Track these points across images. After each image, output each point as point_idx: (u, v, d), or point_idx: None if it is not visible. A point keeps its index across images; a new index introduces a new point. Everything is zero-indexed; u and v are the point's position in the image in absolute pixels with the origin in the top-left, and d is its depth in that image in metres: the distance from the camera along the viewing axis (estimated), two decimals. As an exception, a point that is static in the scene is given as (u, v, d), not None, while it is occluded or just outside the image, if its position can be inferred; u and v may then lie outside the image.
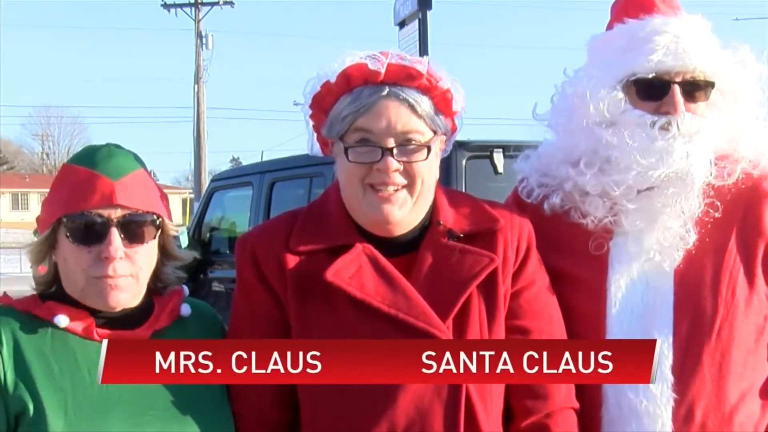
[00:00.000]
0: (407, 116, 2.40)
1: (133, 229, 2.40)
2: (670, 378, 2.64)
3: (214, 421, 2.44)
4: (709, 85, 2.73)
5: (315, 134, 2.57)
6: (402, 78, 2.40)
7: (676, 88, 2.71)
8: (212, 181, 11.50)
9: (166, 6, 44.18)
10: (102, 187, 2.37)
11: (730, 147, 2.76)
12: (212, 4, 44.21)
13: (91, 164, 2.42)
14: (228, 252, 10.04)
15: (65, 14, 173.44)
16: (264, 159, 12.56)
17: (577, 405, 2.55)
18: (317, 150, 2.60)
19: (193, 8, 44.09)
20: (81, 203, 2.37)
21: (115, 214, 2.37)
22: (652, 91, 2.74)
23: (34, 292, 2.50)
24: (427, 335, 2.36)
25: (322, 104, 2.49)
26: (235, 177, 10.71)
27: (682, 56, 2.70)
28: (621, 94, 2.76)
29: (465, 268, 2.45)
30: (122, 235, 2.37)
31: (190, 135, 44.81)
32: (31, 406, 2.28)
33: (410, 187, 2.43)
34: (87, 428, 2.29)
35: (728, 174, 2.72)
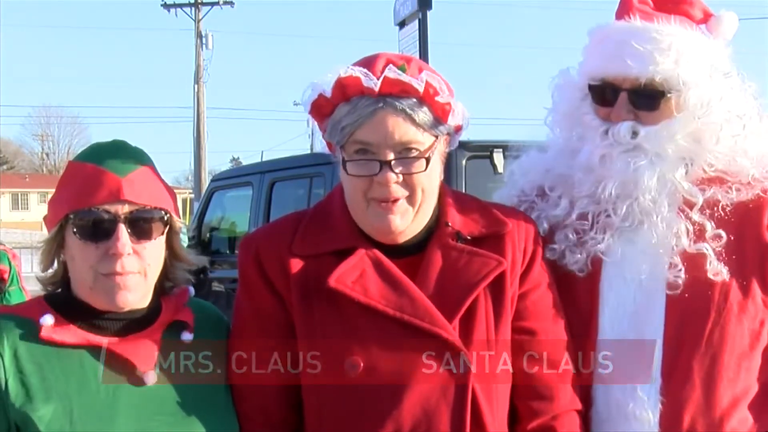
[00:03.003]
0: (404, 127, 2.38)
1: (141, 225, 2.38)
2: (659, 380, 2.63)
3: (221, 424, 2.43)
4: (659, 93, 2.67)
5: (321, 133, 2.56)
6: (398, 91, 2.38)
7: (622, 96, 2.68)
8: (212, 181, 11.49)
9: (166, 6, 44.18)
10: (109, 182, 2.35)
11: (703, 156, 2.70)
12: (212, 4, 44.21)
13: (97, 160, 2.39)
14: (228, 252, 10.03)
15: (65, 14, 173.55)
16: (264, 159, 12.56)
17: (581, 407, 2.55)
18: (324, 146, 2.58)
19: (193, 8, 44.09)
20: (88, 199, 2.35)
21: (123, 209, 2.35)
22: (604, 98, 2.73)
23: (41, 294, 2.48)
24: (432, 336, 2.36)
25: (321, 111, 2.47)
26: (235, 177, 10.68)
27: (625, 64, 2.66)
28: (579, 102, 2.78)
29: (473, 270, 2.45)
30: (130, 231, 2.35)
31: (190, 135, 44.88)
32: (33, 415, 2.25)
33: (411, 197, 2.42)
34: None
35: (719, 184, 2.69)
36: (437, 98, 2.41)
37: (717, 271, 2.63)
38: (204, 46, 43.06)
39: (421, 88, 2.38)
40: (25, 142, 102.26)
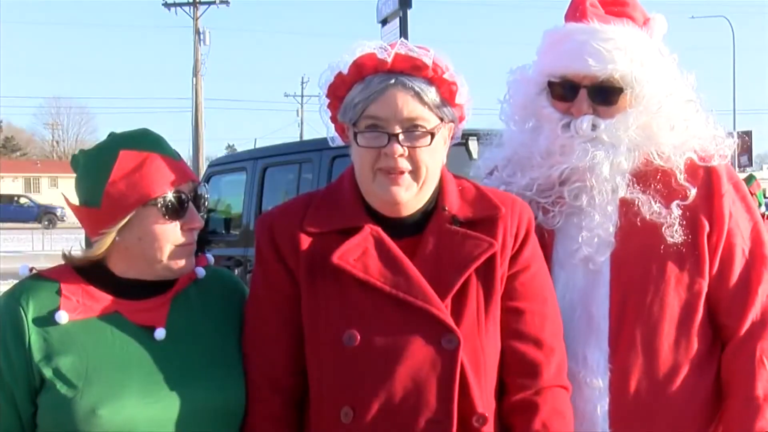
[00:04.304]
0: (413, 104, 2.35)
1: (198, 200, 2.48)
2: (606, 349, 2.65)
3: (226, 378, 2.42)
4: (617, 90, 2.68)
5: (333, 125, 2.54)
6: (409, 68, 2.36)
7: (582, 92, 2.69)
8: (209, 166, 11.39)
9: (166, 5, 43.97)
10: (177, 166, 2.42)
11: (652, 141, 2.71)
12: (209, 3, 44.03)
13: (156, 148, 2.41)
14: (224, 232, 10.01)
15: (75, 12, 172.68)
16: (257, 146, 12.52)
17: (567, 384, 2.51)
18: (338, 141, 2.56)
19: (191, 7, 43.88)
20: (171, 183, 2.39)
21: (188, 188, 2.44)
22: (563, 93, 2.73)
23: (63, 264, 2.45)
24: (425, 313, 2.33)
25: (337, 93, 2.45)
26: (231, 163, 10.62)
27: (586, 63, 2.66)
28: (534, 97, 2.79)
29: (465, 252, 2.41)
30: (194, 206, 2.47)
31: (188, 124, 44.78)
32: (52, 366, 2.28)
33: (415, 172, 2.38)
34: (106, 384, 2.28)
35: (665, 162, 2.71)
36: (444, 76, 2.39)
37: (654, 211, 2.66)
38: (202, 42, 42.92)
39: (429, 62, 2.36)
40: (37, 131, 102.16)
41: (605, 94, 2.69)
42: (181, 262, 2.44)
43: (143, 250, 2.40)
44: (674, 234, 2.65)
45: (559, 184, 2.73)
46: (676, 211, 2.66)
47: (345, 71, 2.40)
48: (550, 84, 2.76)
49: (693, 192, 2.68)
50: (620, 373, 2.65)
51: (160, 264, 2.41)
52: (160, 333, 2.38)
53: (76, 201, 2.44)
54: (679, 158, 2.71)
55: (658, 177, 2.71)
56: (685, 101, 2.77)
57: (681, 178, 2.69)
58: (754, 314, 2.70)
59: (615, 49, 2.67)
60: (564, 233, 2.73)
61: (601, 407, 2.65)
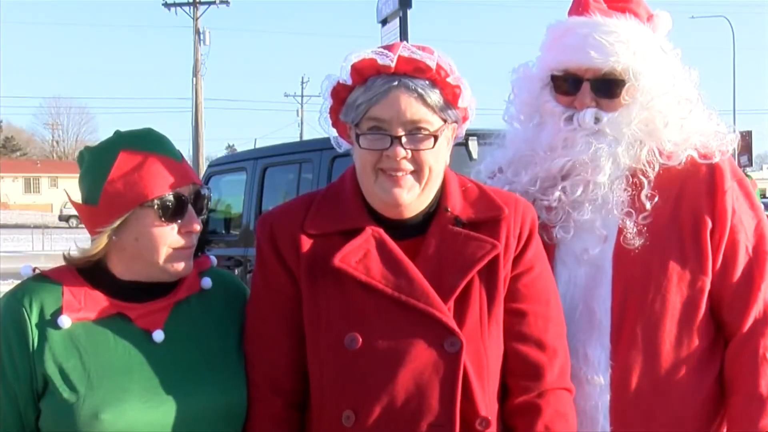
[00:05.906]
0: (416, 106, 2.32)
1: (199, 203, 2.45)
2: (608, 346, 2.65)
3: (227, 381, 2.41)
4: (620, 83, 2.68)
5: (335, 129, 2.52)
6: (412, 70, 2.33)
7: (585, 85, 2.69)
8: (209, 166, 11.37)
9: (166, 5, 43.93)
10: (178, 168, 2.40)
11: (653, 136, 2.71)
12: (209, 3, 44.00)
13: (158, 149, 2.40)
14: (224, 232, 10.00)
15: (74, 13, 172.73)
16: (257, 146, 12.51)
17: (571, 386, 2.49)
18: (344, 145, 2.54)
19: (191, 7, 43.86)
20: (170, 184, 2.37)
21: (188, 190, 2.41)
22: (566, 87, 2.74)
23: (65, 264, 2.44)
24: (428, 315, 2.31)
25: (339, 96, 2.43)
26: (231, 163, 10.59)
27: (588, 55, 2.66)
28: (538, 92, 2.79)
29: (468, 254, 2.38)
30: (194, 209, 2.44)
31: (188, 124, 44.81)
32: (55, 368, 2.28)
33: (418, 173, 2.36)
34: (109, 388, 2.28)
35: (667, 158, 2.71)
36: (448, 79, 2.36)
37: (631, 243, 2.66)
38: (202, 42, 42.93)
39: (433, 65, 2.33)
40: (37, 131, 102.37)
41: (608, 87, 2.69)
42: (179, 265, 2.41)
43: (140, 251, 2.39)
44: (632, 241, 2.65)
45: (561, 178, 2.72)
46: (640, 221, 2.66)
47: (348, 81, 2.38)
48: (553, 78, 2.76)
49: (649, 205, 2.67)
50: (621, 369, 2.64)
51: (156, 266, 2.39)
52: (158, 336, 2.37)
53: (79, 198, 2.44)
54: (680, 155, 2.71)
55: (641, 179, 2.71)
56: (683, 98, 2.77)
57: (645, 192, 2.68)
58: (756, 311, 2.69)
59: (617, 41, 2.67)
60: (566, 229, 2.72)
61: (602, 404, 2.65)
